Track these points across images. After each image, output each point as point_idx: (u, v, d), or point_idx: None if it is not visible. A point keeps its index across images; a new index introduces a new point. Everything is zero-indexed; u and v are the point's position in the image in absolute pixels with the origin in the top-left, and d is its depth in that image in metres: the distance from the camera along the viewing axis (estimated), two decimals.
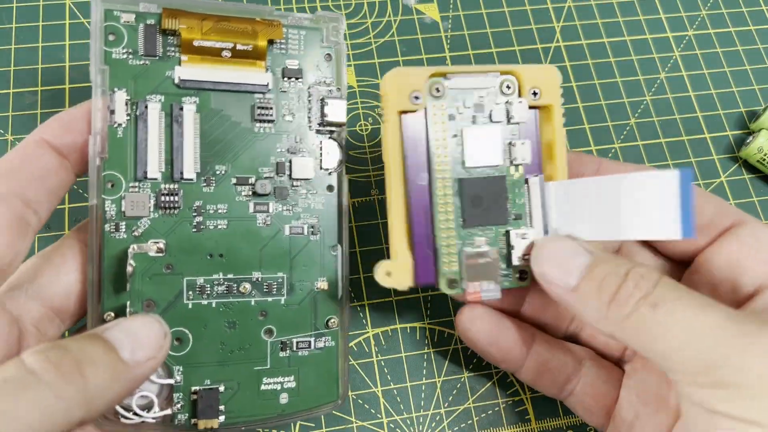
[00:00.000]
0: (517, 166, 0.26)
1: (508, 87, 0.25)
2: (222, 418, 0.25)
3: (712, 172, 0.37)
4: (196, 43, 0.24)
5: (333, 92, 0.27)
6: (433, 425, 0.29)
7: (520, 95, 0.26)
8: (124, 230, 0.24)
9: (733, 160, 0.37)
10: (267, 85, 0.25)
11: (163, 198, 0.24)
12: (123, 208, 0.24)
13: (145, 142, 0.24)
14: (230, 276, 0.25)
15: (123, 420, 0.24)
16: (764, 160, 0.35)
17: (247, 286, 0.25)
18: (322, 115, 0.26)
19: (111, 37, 0.24)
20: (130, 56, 0.24)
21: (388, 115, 0.24)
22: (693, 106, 0.38)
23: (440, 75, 0.25)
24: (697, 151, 0.37)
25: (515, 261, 0.25)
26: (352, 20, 0.38)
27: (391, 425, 0.28)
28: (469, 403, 0.30)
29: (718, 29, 0.40)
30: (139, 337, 0.21)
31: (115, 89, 0.24)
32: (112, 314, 0.24)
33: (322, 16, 0.27)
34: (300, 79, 0.26)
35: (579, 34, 0.39)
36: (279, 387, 0.26)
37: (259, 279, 0.26)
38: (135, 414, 0.24)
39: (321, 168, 0.26)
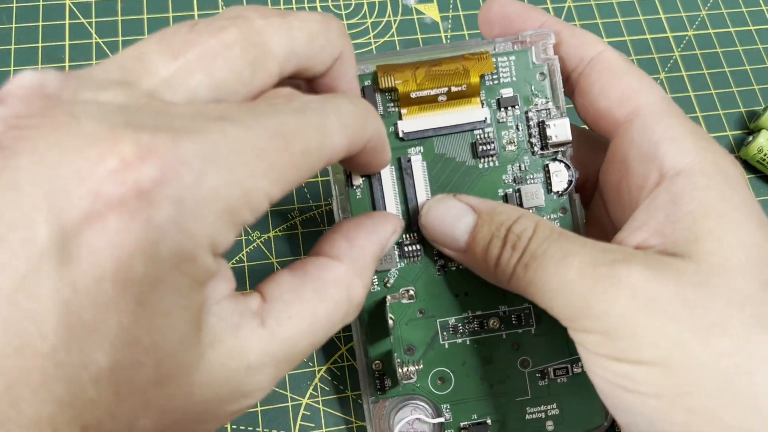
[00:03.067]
0: None
1: None
2: None
3: None
4: (413, 95, 0.25)
5: (552, 111, 0.26)
6: None
7: None
8: (376, 283, 0.26)
9: None
10: (485, 120, 0.25)
11: (406, 248, 0.25)
12: None
13: (382, 199, 0.25)
14: (478, 313, 0.26)
15: None
16: (764, 160, 0.34)
17: (496, 320, 0.26)
18: (544, 137, 0.25)
19: None
20: None
21: None
22: (693, 106, 0.36)
23: None
24: None
25: None
26: (352, 20, 0.37)
27: None
28: None
29: (718, 29, 0.39)
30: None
31: None
32: (380, 362, 0.26)
33: (528, 36, 0.26)
34: (516, 106, 0.26)
35: None
36: (543, 415, 0.26)
37: (506, 312, 0.26)
38: None
39: (550, 192, 0.26)
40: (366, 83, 0.25)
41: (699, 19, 0.39)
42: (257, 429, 0.27)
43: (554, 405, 0.26)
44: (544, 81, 0.26)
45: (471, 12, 0.39)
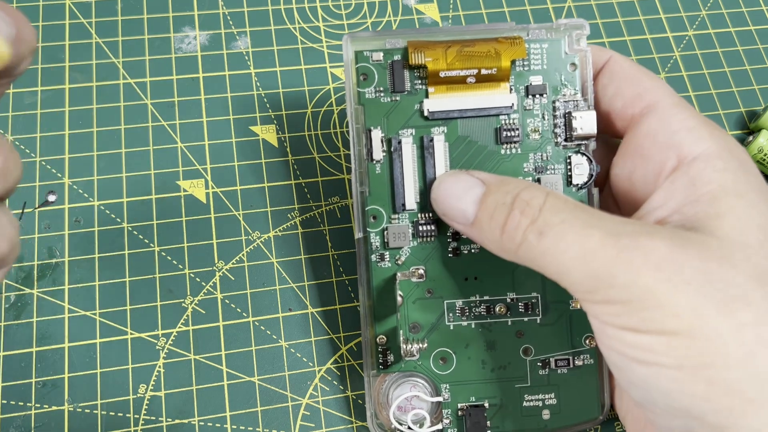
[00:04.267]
0: None
1: None
2: None
3: None
4: (442, 74, 0.25)
5: (580, 103, 0.25)
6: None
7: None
8: (388, 259, 0.26)
9: None
10: (512, 106, 0.25)
11: (420, 227, 0.25)
12: (386, 239, 0.26)
13: (401, 176, 0.25)
14: (486, 298, 0.26)
15: None
16: (764, 160, 0.34)
17: (503, 307, 0.26)
18: (569, 129, 0.25)
19: (362, 78, 0.25)
20: (381, 94, 0.25)
21: None
22: (693, 106, 0.36)
23: None
24: None
25: None
26: (352, 20, 0.37)
27: None
28: None
29: (718, 29, 0.39)
30: None
31: (371, 128, 0.25)
32: (385, 337, 0.26)
33: (563, 24, 0.25)
34: (544, 95, 0.25)
35: None
36: (540, 404, 0.26)
37: (514, 300, 0.26)
38: (409, 428, 0.26)
39: (569, 185, 0.26)
40: (396, 58, 0.25)
41: (699, 19, 0.39)
42: (257, 429, 0.28)
43: (552, 395, 0.26)
44: (574, 72, 0.25)
45: (471, 12, 0.38)
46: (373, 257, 0.26)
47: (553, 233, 0.20)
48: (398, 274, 0.25)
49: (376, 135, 0.25)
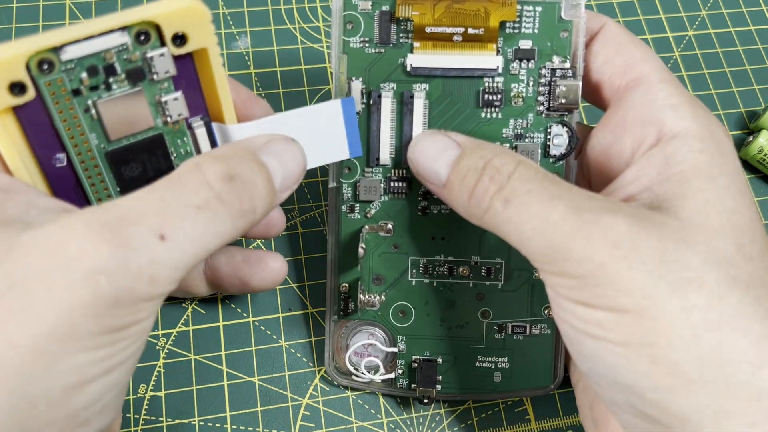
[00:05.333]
0: (175, 122, 0.22)
1: (145, 38, 0.20)
2: (438, 387, 0.27)
3: None
4: (428, 30, 0.24)
5: (567, 72, 0.25)
6: (433, 425, 0.28)
7: (162, 44, 0.20)
8: (357, 211, 0.26)
9: None
10: (497, 69, 0.25)
11: (393, 183, 0.26)
12: (358, 192, 0.26)
13: (377, 131, 0.25)
14: (450, 258, 0.26)
15: (354, 378, 0.27)
16: (764, 160, 0.34)
17: (466, 269, 0.26)
18: (553, 97, 0.25)
19: (349, 26, 0.25)
20: (366, 45, 0.25)
21: None
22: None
23: (46, 51, 0.19)
24: None
25: None
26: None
27: (391, 425, 0.28)
28: (469, 404, 0.28)
29: (718, 29, 0.39)
30: (288, 168, 0.22)
31: (352, 79, 0.25)
32: (347, 285, 0.27)
33: None
34: (532, 60, 0.25)
35: None
36: (493, 366, 0.27)
37: (478, 263, 0.26)
38: (364, 374, 0.27)
39: (546, 155, 0.25)
40: (384, 8, 0.25)
41: (699, 19, 0.39)
42: (257, 429, 0.28)
43: (506, 359, 0.27)
44: (566, 39, 0.25)
45: None
46: (344, 208, 0.26)
47: (518, 202, 0.20)
48: (365, 227, 0.26)
49: (356, 86, 0.25)
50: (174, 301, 0.30)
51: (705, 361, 0.18)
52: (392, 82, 0.25)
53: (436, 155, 0.23)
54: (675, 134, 0.21)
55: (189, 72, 0.22)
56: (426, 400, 0.27)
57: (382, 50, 0.25)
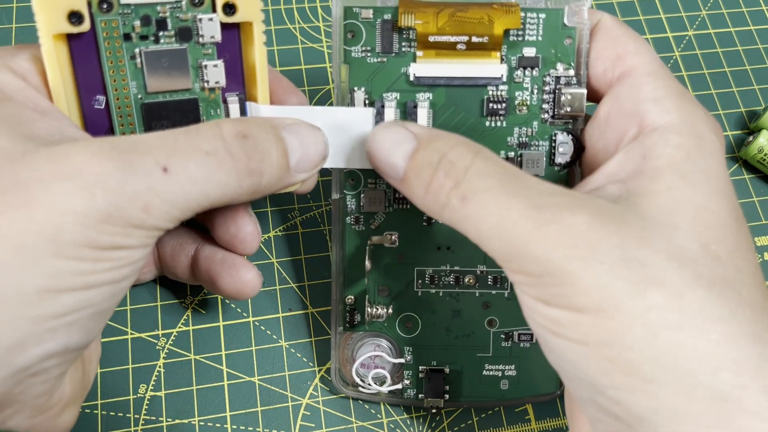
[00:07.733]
0: (212, 89, 0.23)
1: (199, 0, 0.22)
2: (446, 396, 0.27)
3: None
4: (431, 39, 0.24)
5: (571, 80, 0.24)
6: (433, 425, 0.28)
7: (213, 10, 0.22)
8: (362, 222, 0.26)
9: (734, 160, 0.35)
10: (501, 78, 0.24)
11: (397, 194, 0.25)
12: (362, 203, 0.26)
13: None
14: (456, 268, 0.26)
15: (361, 389, 0.27)
16: (764, 160, 0.34)
17: (472, 278, 0.26)
18: (558, 105, 0.25)
19: (350, 36, 0.25)
20: (368, 54, 0.25)
21: (43, 41, 0.20)
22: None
23: None
24: None
25: None
26: None
27: (391, 425, 0.28)
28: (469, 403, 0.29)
29: (718, 29, 0.39)
30: (308, 150, 0.22)
31: (354, 89, 0.25)
32: (353, 298, 0.26)
33: None
34: (536, 68, 0.24)
35: None
36: (500, 374, 0.27)
37: (484, 272, 0.26)
38: (371, 386, 0.27)
39: (552, 164, 0.25)
40: (386, 17, 0.24)
41: (699, 19, 0.39)
42: (257, 429, 0.27)
43: (513, 367, 0.27)
44: (570, 46, 0.24)
45: None
46: (348, 219, 0.26)
47: (475, 200, 0.19)
48: (371, 239, 0.25)
49: (359, 96, 0.25)
50: (174, 300, 0.30)
51: (662, 362, 0.17)
52: (395, 92, 0.25)
53: (392, 148, 0.22)
54: (655, 128, 0.21)
55: (233, 45, 0.23)
56: (434, 410, 0.27)
57: (385, 59, 0.25)
